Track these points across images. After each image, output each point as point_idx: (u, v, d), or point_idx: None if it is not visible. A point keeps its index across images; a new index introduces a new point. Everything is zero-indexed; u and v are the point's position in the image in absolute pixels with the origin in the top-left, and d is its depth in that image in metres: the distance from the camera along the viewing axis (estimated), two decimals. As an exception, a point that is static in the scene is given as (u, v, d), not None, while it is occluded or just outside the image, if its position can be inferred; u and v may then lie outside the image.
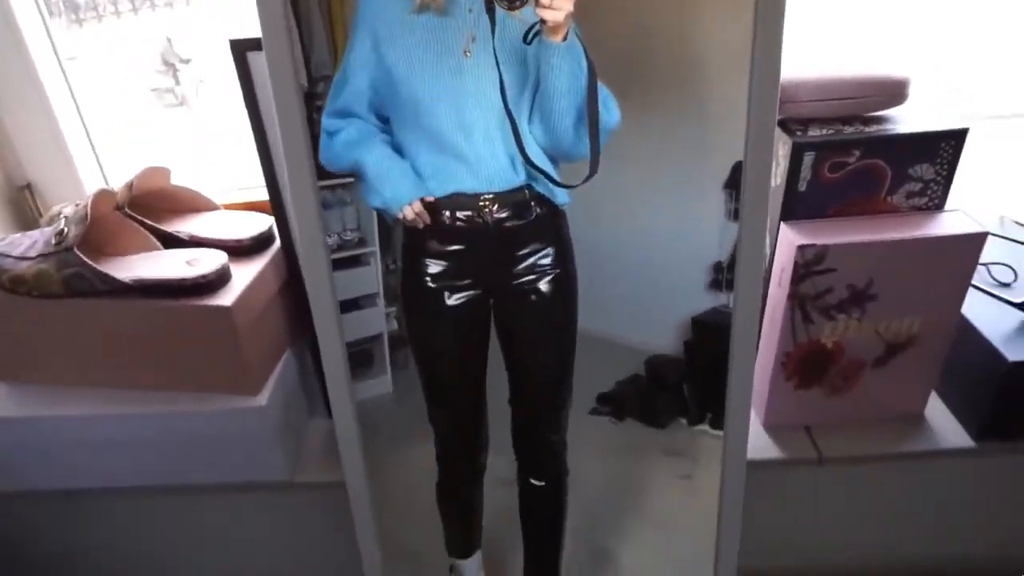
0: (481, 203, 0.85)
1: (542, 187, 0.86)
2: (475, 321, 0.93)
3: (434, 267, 0.89)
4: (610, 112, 0.81)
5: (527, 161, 0.80)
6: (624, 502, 1.33)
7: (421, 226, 0.85)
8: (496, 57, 0.76)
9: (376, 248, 1.07)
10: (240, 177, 1.18)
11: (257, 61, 0.85)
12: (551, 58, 0.75)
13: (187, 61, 1.29)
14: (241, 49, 0.84)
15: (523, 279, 0.90)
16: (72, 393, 0.99)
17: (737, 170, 0.80)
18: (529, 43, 0.76)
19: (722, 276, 0.90)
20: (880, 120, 0.93)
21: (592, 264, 1.05)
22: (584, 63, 0.75)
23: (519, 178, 0.84)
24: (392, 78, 0.80)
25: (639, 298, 1.20)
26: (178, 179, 1.07)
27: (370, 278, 1.01)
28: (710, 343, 0.91)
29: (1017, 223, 1.18)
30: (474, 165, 0.83)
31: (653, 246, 1.17)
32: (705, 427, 1.04)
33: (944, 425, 1.04)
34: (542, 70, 0.77)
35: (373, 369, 0.99)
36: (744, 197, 0.77)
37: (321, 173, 0.83)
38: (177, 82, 1.30)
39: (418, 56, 0.79)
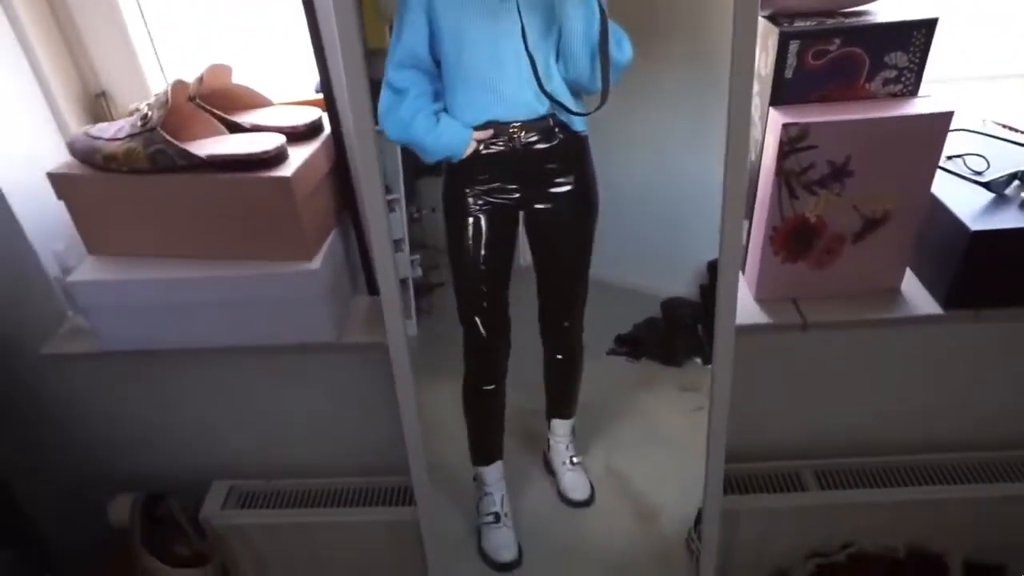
0: (512, 129, 1.03)
1: (563, 115, 1.03)
2: (505, 226, 1.12)
3: (472, 184, 1.09)
4: (622, 50, 0.98)
5: (543, 91, 0.97)
6: (640, 431, 1.46)
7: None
8: (518, 6, 0.91)
9: (401, 195, 1.21)
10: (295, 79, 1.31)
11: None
12: (566, 6, 0.92)
13: None
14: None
15: (549, 191, 1.09)
16: (154, 262, 1.14)
17: None
18: None
19: None
20: (859, 14, 1.04)
21: (612, 209, 1.18)
22: (597, 10, 0.91)
23: (542, 108, 1.02)
24: (441, 16, 0.96)
25: (657, 243, 1.33)
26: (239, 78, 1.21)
27: (396, 224, 1.14)
28: None
29: (996, 123, 1.29)
30: (505, 97, 1.01)
31: (671, 189, 1.29)
32: None
33: (916, 295, 1.16)
34: (560, 16, 0.94)
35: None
36: (731, 81, 0.88)
37: None
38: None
39: (464, 4, 0.96)
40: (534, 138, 1.03)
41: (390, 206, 1.14)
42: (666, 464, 1.42)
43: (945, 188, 1.12)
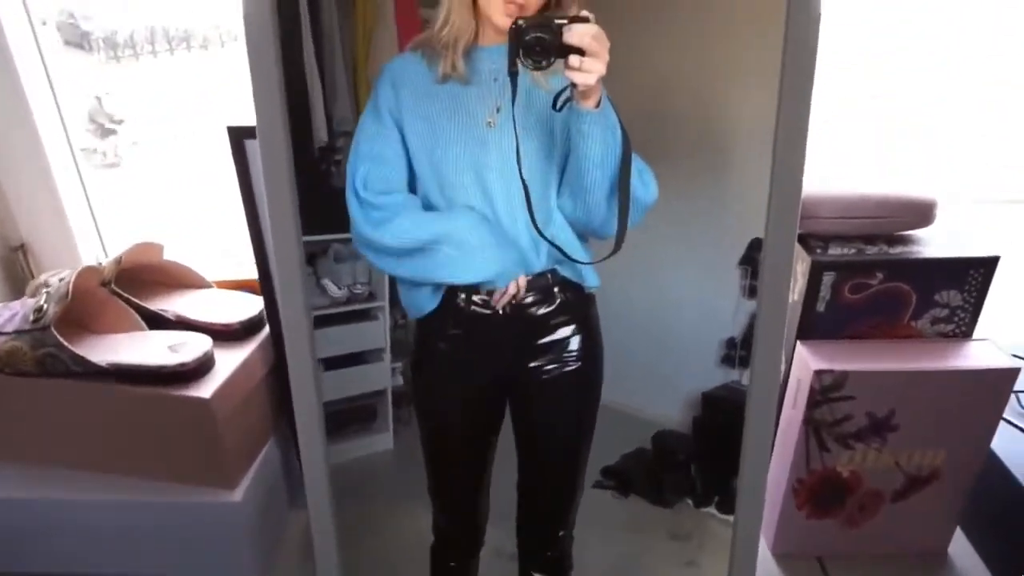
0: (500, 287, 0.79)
1: (568, 270, 0.80)
2: (488, 408, 0.88)
3: (449, 351, 0.84)
4: (647, 186, 0.76)
5: (539, 233, 0.74)
6: None
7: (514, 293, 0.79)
8: (515, 124, 0.71)
9: (386, 303, 1.04)
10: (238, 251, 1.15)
11: (253, 148, 0.82)
12: (583, 125, 0.70)
13: (119, 122, 1.29)
14: (238, 136, 0.81)
15: (545, 368, 0.85)
16: (41, 474, 0.95)
17: (753, 247, 0.77)
18: (559, 110, 0.71)
19: (735, 352, 0.87)
20: (905, 240, 0.88)
21: (604, 333, 1.01)
22: (619, 131, 0.71)
23: (540, 262, 0.79)
24: (416, 147, 0.77)
25: (650, 370, 1.16)
26: (172, 252, 1.04)
27: (378, 333, 0.98)
28: (720, 419, 0.87)
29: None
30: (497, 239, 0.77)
31: (666, 319, 1.13)
32: (712, 510, 0.99)
33: (968, 565, 0.96)
34: (573, 139, 0.72)
35: (376, 425, 0.96)
36: (760, 313, 0.73)
37: (335, 225, 0.80)
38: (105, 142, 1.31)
39: (442, 126, 0.75)
40: (529, 300, 0.81)
41: (373, 314, 0.97)
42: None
43: (1002, 441, 0.93)
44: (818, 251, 0.85)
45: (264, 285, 0.92)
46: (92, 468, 0.94)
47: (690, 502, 1.29)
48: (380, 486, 0.96)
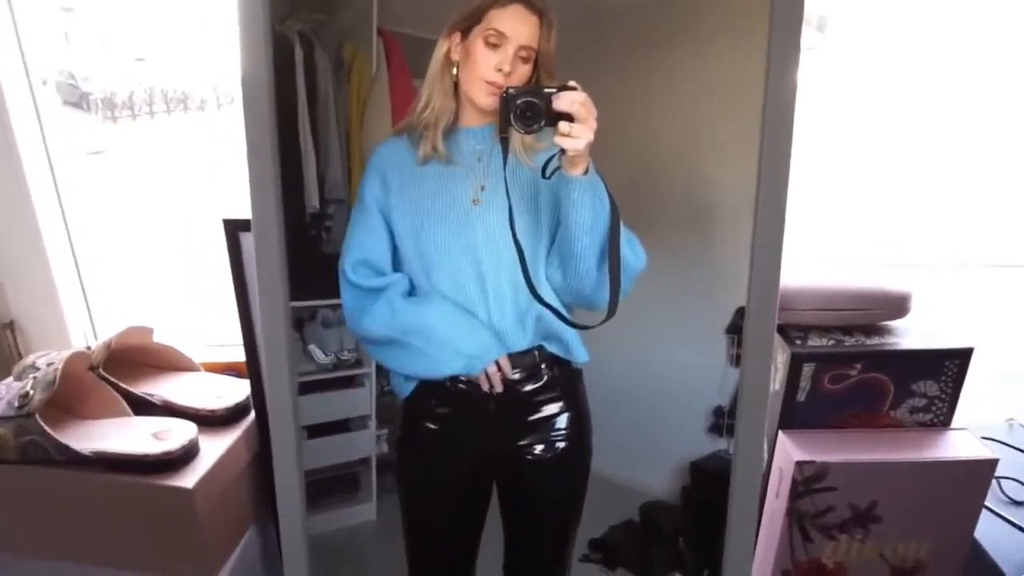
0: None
1: (555, 346, 0.81)
2: (476, 486, 0.87)
3: (435, 428, 0.84)
4: (636, 254, 0.78)
5: (534, 293, 0.75)
6: None
7: (499, 388, 0.80)
8: (507, 188, 0.73)
9: (372, 370, 1.03)
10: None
11: (248, 241, 0.84)
12: (572, 193, 0.72)
13: None
14: (233, 229, 0.83)
15: (532, 447, 0.84)
16: (19, 565, 0.92)
17: (739, 315, 0.78)
18: (548, 177, 0.73)
19: (723, 421, 0.87)
20: (882, 331, 0.90)
21: (592, 401, 1.00)
22: (606, 198, 0.73)
23: (526, 339, 0.79)
24: (401, 229, 0.78)
25: (637, 438, 1.15)
26: (162, 335, 1.04)
27: (363, 400, 0.97)
28: (709, 489, 0.87)
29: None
30: (483, 318, 0.78)
31: (653, 385, 1.13)
32: None
33: (957, 659, 0.95)
34: (562, 207, 0.73)
35: (359, 494, 0.94)
36: (740, 405, 0.74)
37: (323, 291, 0.81)
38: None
39: (425, 207, 0.77)
40: (516, 376, 0.81)
41: (359, 380, 0.96)
42: None
43: (986, 530, 0.93)
44: (798, 342, 0.87)
45: (251, 367, 0.93)
46: (71, 557, 0.92)
47: (678, 576, 1.27)
48: (362, 557, 0.94)
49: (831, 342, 0.87)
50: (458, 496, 0.87)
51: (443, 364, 0.79)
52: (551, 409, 0.83)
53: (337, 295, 0.81)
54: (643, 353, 1.13)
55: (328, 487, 0.96)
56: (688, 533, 0.98)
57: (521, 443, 0.83)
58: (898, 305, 0.88)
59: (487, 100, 0.74)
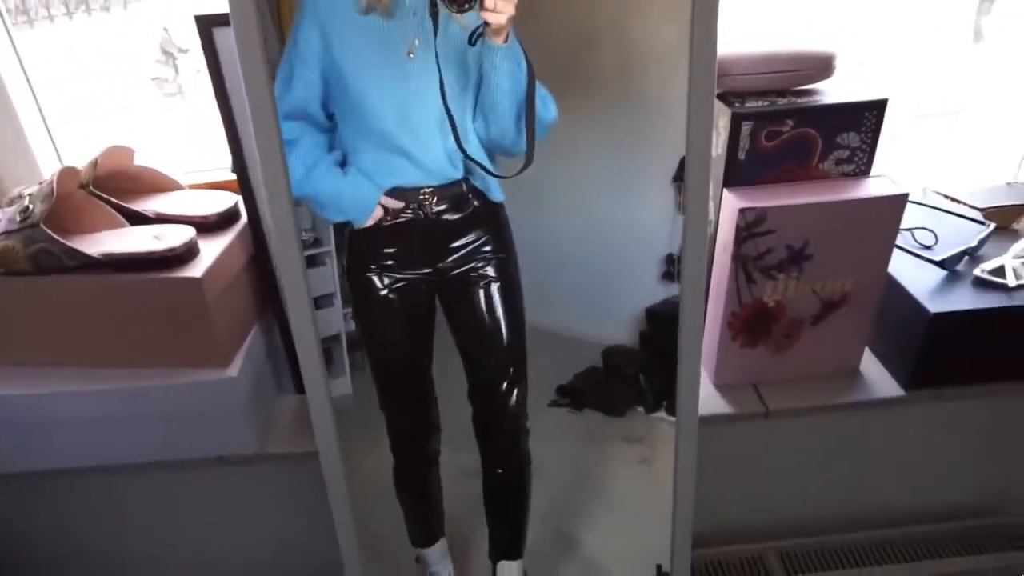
0: (421, 196, 0.90)
1: (479, 181, 0.92)
2: (419, 309, 0.98)
3: (377, 259, 0.95)
4: (547, 109, 0.88)
5: (464, 154, 0.86)
6: (585, 487, 1.36)
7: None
8: (438, 58, 0.81)
9: (332, 248, 1.09)
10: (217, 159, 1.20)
11: (223, 37, 0.87)
12: (494, 58, 0.81)
13: (186, 51, 1.31)
14: (207, 25, 0.86)
15: (464, 267, 0.96)
16: (42, 372, 0.99)
17: (684, 165, 0.83)
18: (473, 44, 0.81)
19: (674, 267, 0.94)
20: (810, 93, 1.00)
21: (546, 259, 1.08)
22: (524, 63, 0.82)
23: (456, 172, 0.90)
24: (339, 73, 0.84)
25: (594, 292, 1.25)
26: (145, 159, 1.08)
27: (326, 278, 1.03)
28: (664, 332, 0.93)
29: (936, 192, 1.28)
30: (415, 160, 0.88)
31: (605, 240, 1.21)
32: (662, 414, 1.09)
33: (877, 377, 1.12)
34: (484, 70, 0.83)
35: (332, 369, 1.00)
36: (687, 170, 0.82)
37: None
38: (177, 72, 1.31)
39: (365, 57, 0.83)
40: (444, 206, 0.92)
41: (320, 259, 1.02)
42: (617, 525, 1.32)
43: (900, 268, 1.09)
44: (736, 104, 0.97)
45: (240, 176, 0.98)
46: (91, 362, 0.99)
47: (641, 409, 1.41)
48: (341, 429, 0.99)
49: (766, 103, 0.97)
50: (404, 316, 0.98)
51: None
52: (476, 235, 0.94)
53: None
54: (593, 209, 1.20)
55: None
56: (647, 370, 1.07)
57: (453, 261, 0.95)
58: (824, 65, 0.98)
59: None
